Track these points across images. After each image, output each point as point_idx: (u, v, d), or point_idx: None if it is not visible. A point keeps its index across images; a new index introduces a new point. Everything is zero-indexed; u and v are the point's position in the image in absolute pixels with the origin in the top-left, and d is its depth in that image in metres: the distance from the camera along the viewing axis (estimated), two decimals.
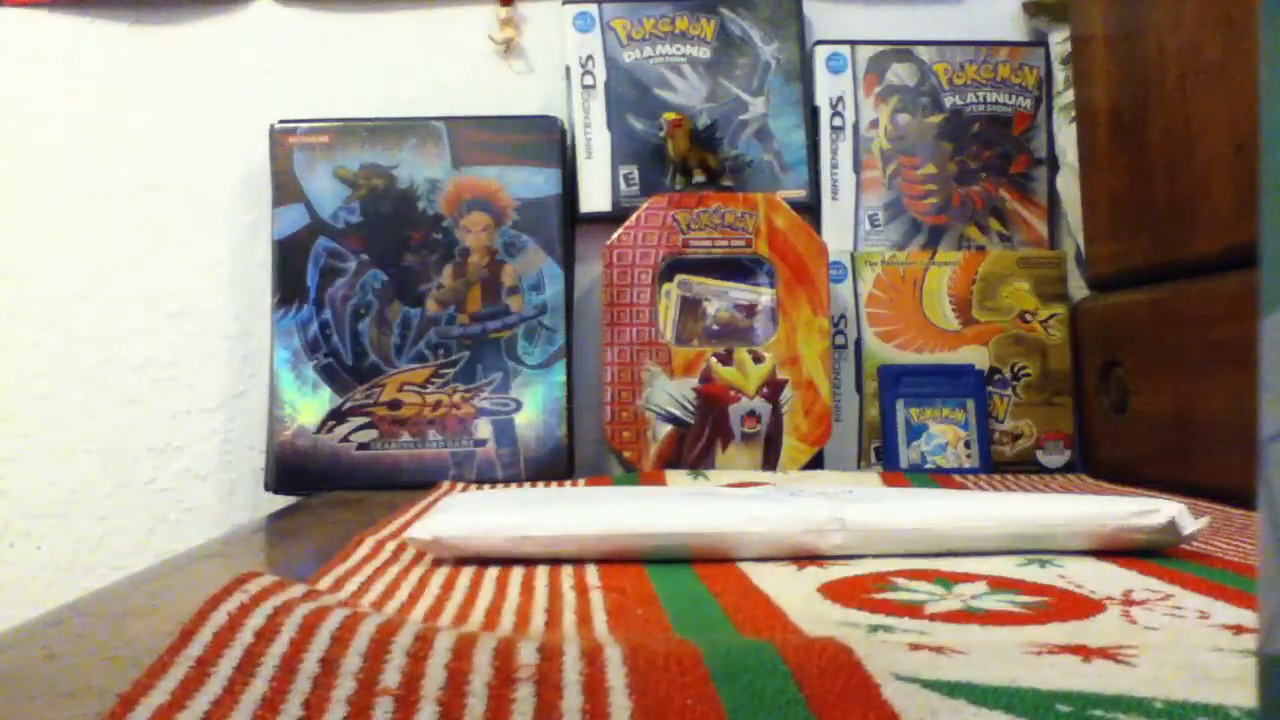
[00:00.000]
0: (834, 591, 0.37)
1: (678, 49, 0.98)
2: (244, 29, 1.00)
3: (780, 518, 0.43)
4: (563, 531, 0.42)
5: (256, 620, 0.25)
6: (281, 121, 0.92)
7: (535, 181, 0.92)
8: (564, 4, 0.98)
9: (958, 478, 0.79)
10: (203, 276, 0.97)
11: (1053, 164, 0.98)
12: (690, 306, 0.89)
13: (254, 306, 0.96)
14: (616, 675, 0.22)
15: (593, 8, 0.98)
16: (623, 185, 0.96)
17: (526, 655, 0.23)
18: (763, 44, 0.98)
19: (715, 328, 0.89)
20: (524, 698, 0.22)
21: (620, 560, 0.42)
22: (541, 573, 0.40)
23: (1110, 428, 0.86)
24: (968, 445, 0.89)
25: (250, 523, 0.66)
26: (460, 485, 0.78)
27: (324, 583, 0.38)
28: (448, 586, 0.38)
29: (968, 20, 1.01)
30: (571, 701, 0.21)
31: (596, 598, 0.36)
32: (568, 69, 0.98)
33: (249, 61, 0.99)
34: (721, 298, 0.89)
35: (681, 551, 0.43)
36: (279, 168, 0.91)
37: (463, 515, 0.44)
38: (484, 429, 0.88)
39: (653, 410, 0.86)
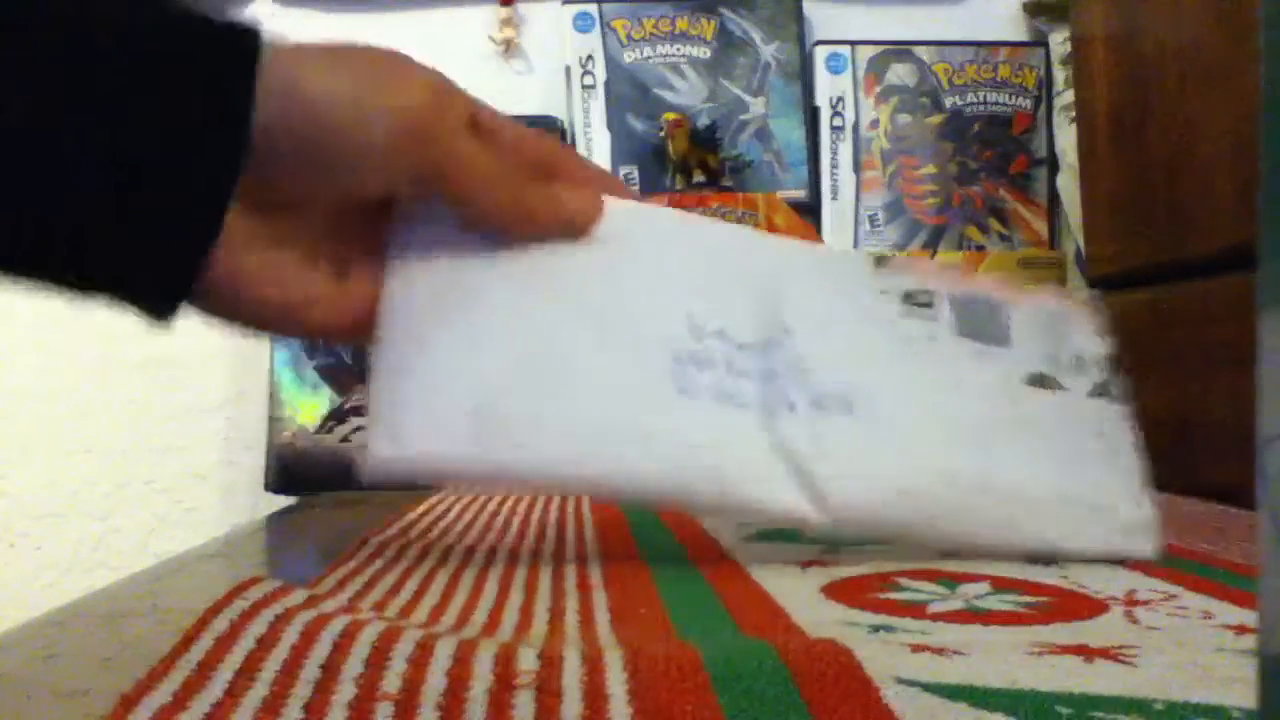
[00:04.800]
0: (837, 591, 0.37)
1: (678, 49, 0.98)
2: None
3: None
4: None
5: (258, 627, 0.25)
6: None
7: None
8: (564, 4, 0.98)
9: None
10: None
11: (1053, 164, 0.98)
12: None
13: None
14: (616, 681, 0.22)
15: (593, 8, 0.98)
16: None
17: (527, 661, 0.23)
18: (763, 44, 0.98)
19: None
20: (524, 704, 0.22)
21: (622, 558, 0.43)
22: (544, 573, 0.40)
23: None
24: None
25: (250, 523, 0.66)
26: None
27: (326, 584, 0.38)
28: (451, 586, 0.38)
29: (968, 20, 1.01)
30: (571, 708, 0.21)
31: (599, 596, 0.36)
32: (568, 69, 0.98)
33: None
34: None
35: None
36: None
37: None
38: None
39: None
